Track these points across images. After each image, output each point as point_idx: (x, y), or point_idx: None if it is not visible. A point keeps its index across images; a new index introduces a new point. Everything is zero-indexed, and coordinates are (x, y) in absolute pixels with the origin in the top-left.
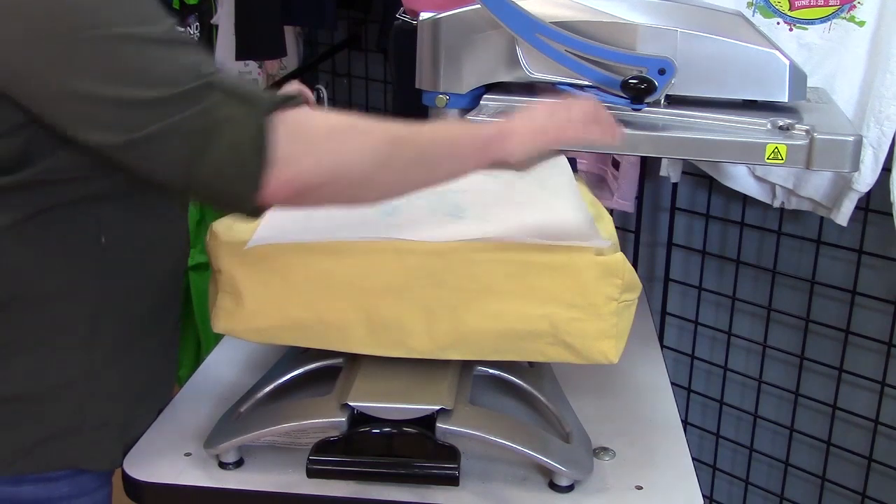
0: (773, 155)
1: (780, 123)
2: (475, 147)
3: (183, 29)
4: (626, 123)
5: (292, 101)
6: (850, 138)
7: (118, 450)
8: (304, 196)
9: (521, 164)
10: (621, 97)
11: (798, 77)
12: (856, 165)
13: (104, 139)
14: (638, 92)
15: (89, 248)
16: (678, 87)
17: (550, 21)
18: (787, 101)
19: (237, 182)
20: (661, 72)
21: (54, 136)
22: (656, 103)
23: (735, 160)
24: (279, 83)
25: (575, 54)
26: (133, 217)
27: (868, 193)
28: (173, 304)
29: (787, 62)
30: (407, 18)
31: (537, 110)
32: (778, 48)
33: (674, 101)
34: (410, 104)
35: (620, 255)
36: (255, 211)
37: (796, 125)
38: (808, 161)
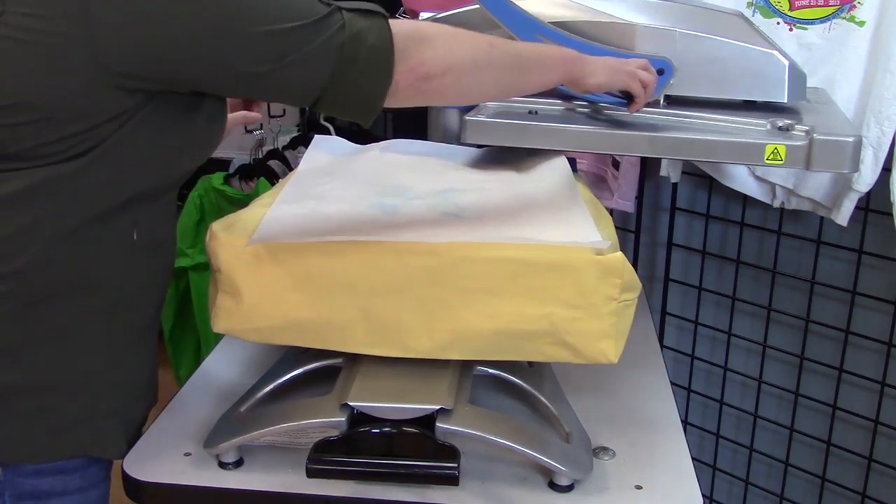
0: (772, 155)
1: (780, 124)
2: (562, 60)
3: None
4: (626, 124)
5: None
6: (850, 139)
7: (124, 440)
8: (426, 84)
9: (593, 88)
10: (620, 98)
11: (798, 77)
12: (855, 166)
13: (264, 67)
14: None
15: (123, 245)
16: (677, 88)
17: (550, 21)
18: (786, 101)
19: (379, 77)
20: (660, 72)
21: (142, 124)
22: (655, 103)
23: (735, 160)
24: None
25: None
26: (155, 216)
27: (868, 193)
28: (164, 305)
29: (787, 62)
30: (407, 18)
31: (597, 59)
32: (778, 48)
33: (673, 102)
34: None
35: (620, 255)
36: (378, 109)
37: (796, 126)
38: (808, 162)
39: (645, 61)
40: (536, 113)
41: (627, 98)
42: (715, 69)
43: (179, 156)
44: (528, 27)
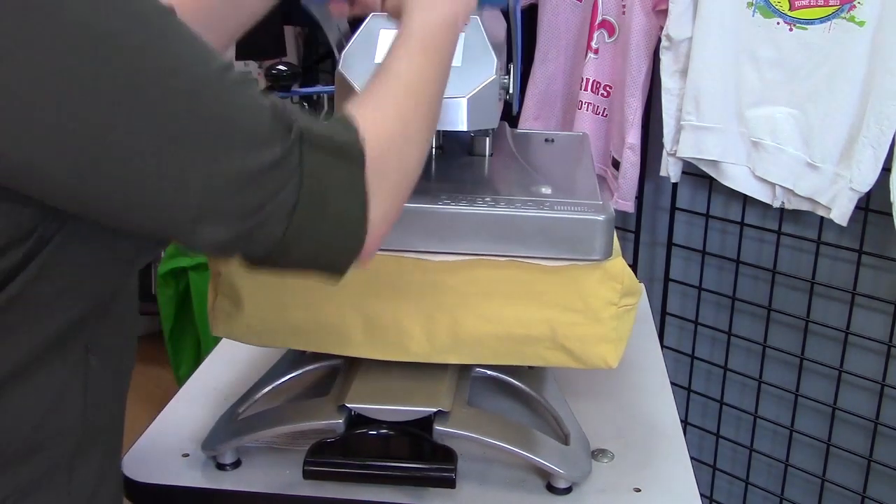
0: None
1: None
2: (447, 38)
3: None
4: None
5: (354, 125)
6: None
7: None
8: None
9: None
10: None
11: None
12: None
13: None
14: None
15: (77, 381)
16: None
17: None
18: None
19: (340, 255)
20: None
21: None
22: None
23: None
24: (276, 77)
25: None
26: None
27: (868, 193)
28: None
29: None
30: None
31: None
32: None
33: None
34: None
35: (620, 260)
36: (340, 277)
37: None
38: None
39: None
40: None
41: None
42: None
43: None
44: None
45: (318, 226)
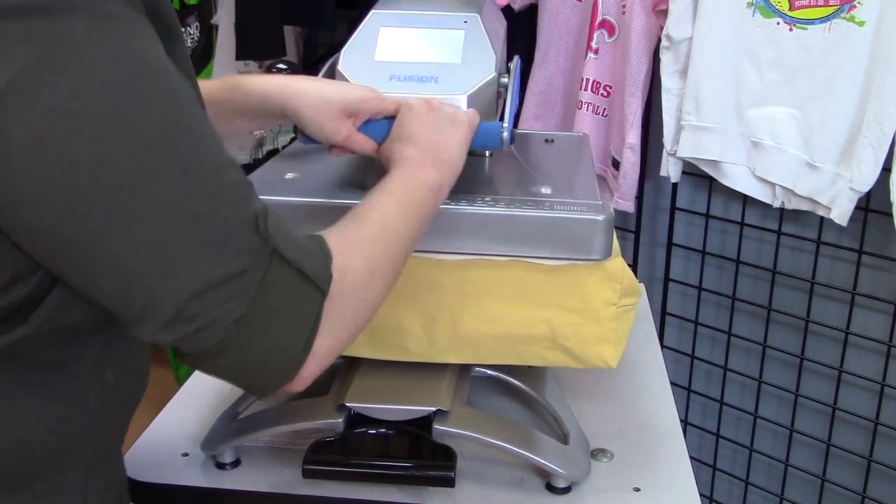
0: None
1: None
2: (428, 202)
3: (183, 29)
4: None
5: (330, 254)
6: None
7: None
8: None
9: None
10: None
11: None
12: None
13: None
14: None
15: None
16: None
17: None
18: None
19: (268, 377)
20: None
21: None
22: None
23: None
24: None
25: None
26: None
27: (868, 193)
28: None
29: None
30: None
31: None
32: None
33: None
34: None
35: (620, 260)
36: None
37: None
38: None
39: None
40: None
41: None
42: None
43: None
44: None
45: (256, 343)
